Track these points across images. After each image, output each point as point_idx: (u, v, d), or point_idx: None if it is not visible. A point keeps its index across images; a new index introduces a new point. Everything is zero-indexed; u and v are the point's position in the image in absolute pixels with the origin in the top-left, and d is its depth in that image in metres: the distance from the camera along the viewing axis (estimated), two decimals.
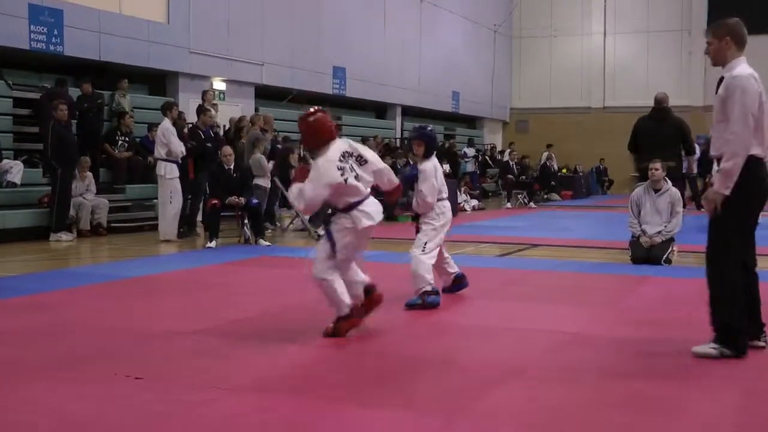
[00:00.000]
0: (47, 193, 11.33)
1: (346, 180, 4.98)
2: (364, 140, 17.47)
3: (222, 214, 10.69)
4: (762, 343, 4.75)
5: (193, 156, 11.62)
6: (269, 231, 11.95)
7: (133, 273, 7.96)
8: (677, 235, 8.88)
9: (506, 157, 22.04)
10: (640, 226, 8.86)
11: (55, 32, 12.70)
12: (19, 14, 12.19)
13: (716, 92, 4.67)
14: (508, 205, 20.04)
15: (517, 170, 20.86)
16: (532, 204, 20.44)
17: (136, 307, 6.30)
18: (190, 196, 11.59)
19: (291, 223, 12.89)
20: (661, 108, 10.51)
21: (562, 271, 8.46)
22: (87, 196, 11.77)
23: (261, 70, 17.23)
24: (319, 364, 4.59)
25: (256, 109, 16.73)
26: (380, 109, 23.56)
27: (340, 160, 5.01)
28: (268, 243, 10.68)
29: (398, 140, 22.50)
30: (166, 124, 11.27)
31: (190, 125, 12.73)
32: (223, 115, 15.27)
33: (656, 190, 8.85)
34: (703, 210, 18.27)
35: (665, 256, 8.66)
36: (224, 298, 6.72)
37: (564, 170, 27.20)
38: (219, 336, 5.18)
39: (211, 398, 3.82)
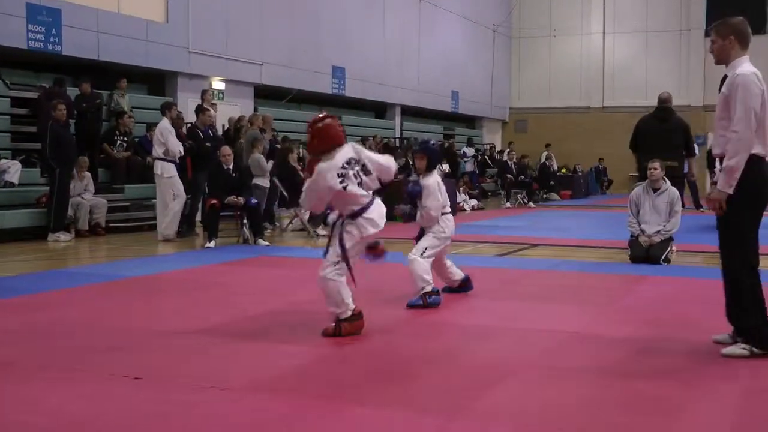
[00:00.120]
0: (45, 192, 11.31)
1: (345, 187, 5.02)
2: (363, 140, 17.48)
3: (221, 214, 10.68)
4: None
5: (190, 155, 11.62)
6: (268, 231, 11.95)
7: (131, 273, 7.94)
8: (676, 235, 8.89)
9: (505, 157, 22.04)
10: (639, 225, 8.86)
11: (53, 32, 12.69)
12: (16, 13, 12.17)
13: (719, 91, 4.66)
14: (508, 204, 20.05)
15: (516, 170, 20.87)
16: (531, 204, 20.45)
17: (135, 307, 6.29)
18: (189, 196, 11.59)
19: (290, 223, 12.88)
20: (664, 108, 10.51)
21: (561, 271, 8.46)
22: (85, 195, 11.76)
23: (260, 69, 17.22)
24: (318, 364, 4.58)
25: (255, 109, 16.71)
26: (379, 109, 23.55)
27: (344, 167, 5.06)
28: (267, 243, 10.68)
29: (397, 140, 22.50)
30: (164, 123, 11.29)
31: (189, 125, 12.71)
32: (222, 115, 15.26)
33: (655, 190, 8.85)
34: (702, 210, 18.22)
35: (664, 255, 8.67)
36: (223, 298, 6.71)
37: (563, 170, 27.22)
38: (218, 336, 5.17)
39: (210, 398, 3.81)
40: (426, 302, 6.11)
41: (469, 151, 24.80)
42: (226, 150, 10.89)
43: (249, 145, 12.39)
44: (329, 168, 5.04)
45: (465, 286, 6.79)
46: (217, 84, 16.33)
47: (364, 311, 5.27)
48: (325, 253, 5.18)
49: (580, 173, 27.23)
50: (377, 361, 4.65)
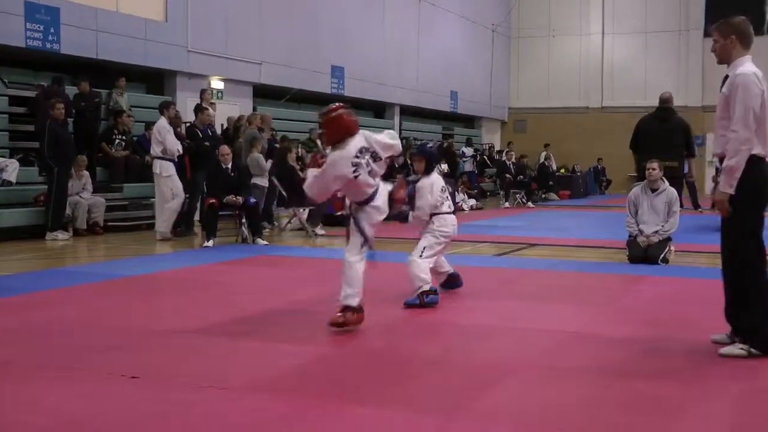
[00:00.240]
0: (43, 191, 11.30)
1: (356, 176, 5.20)
2: None
3: (220, 213, 10.66)
4: None
5: (189, 155, 11.60)
6: (267, 230, 11.94)
7: (129, 272, 7.93)
8: (674, 235, 8.89)
9: (504, 157, 22.05)
10: (638, 225, 8.86)
11: (52, 30, 12.66)
12: (15, 12, 12.15)
13: (720, 90, 4.66)
14: (506, 204, 20.05)
15: (515, 170, 20.88)
16: (530, 203, 20.46)
17: (133, 306, 6.27)
18: (187, 195, 11.58)
19: (289, 222, 12.87)
20: (665, 108, 10.51)
21: (560, 271, 8.46)
22: (83, 194, 11.74)
23: (259, 69, 17.21)
24: (318, 364, 4.57)
25: (255, 109, 16.68)
26: (379, 109, 23.54)
27: (357, 156, 5.22)
28: (265, 242, 10.68)
29: None
30: (162, 122, 11.29)
31: (187, 124, 12.70)
32: (221, 115, 15.25)
33: (653, 190, 8.85)
34: (700, 211, 18.21)
35: (662, 255, 8.67)
36: (222, 297, 6.70)
37: (562, 170, 27.23)
38: (217, 335, 5.16)
39: (209, 398, 3.80)
40: (423, 301, 6.10)
41: (468, 151, 24.79)
42: (225, 149, 10.88)
43: (248, 144, 12.37)
44: (342, 157, 5.18)
45: (453, 282, 6.78)
46: (216, 83, 16.31)
47: (365, 311, 5.31)
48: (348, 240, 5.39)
49: (578, 173, 27.24)
50: (377, 361, 4.64)
